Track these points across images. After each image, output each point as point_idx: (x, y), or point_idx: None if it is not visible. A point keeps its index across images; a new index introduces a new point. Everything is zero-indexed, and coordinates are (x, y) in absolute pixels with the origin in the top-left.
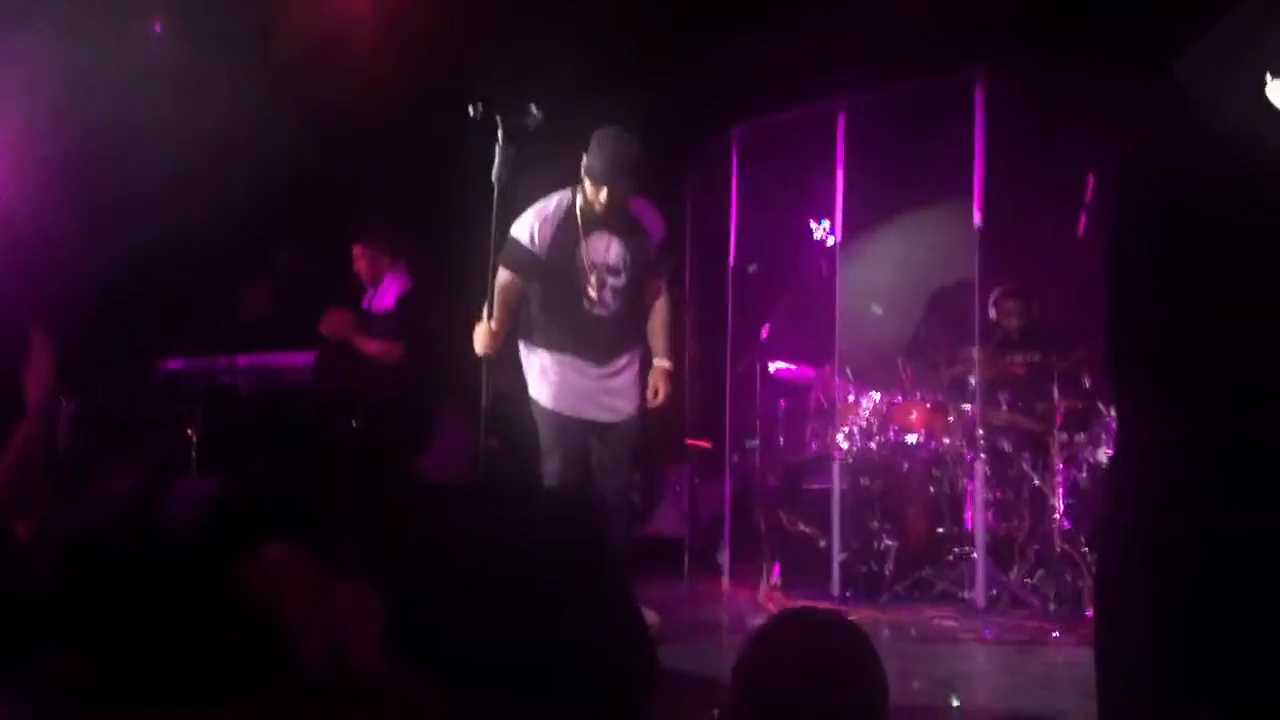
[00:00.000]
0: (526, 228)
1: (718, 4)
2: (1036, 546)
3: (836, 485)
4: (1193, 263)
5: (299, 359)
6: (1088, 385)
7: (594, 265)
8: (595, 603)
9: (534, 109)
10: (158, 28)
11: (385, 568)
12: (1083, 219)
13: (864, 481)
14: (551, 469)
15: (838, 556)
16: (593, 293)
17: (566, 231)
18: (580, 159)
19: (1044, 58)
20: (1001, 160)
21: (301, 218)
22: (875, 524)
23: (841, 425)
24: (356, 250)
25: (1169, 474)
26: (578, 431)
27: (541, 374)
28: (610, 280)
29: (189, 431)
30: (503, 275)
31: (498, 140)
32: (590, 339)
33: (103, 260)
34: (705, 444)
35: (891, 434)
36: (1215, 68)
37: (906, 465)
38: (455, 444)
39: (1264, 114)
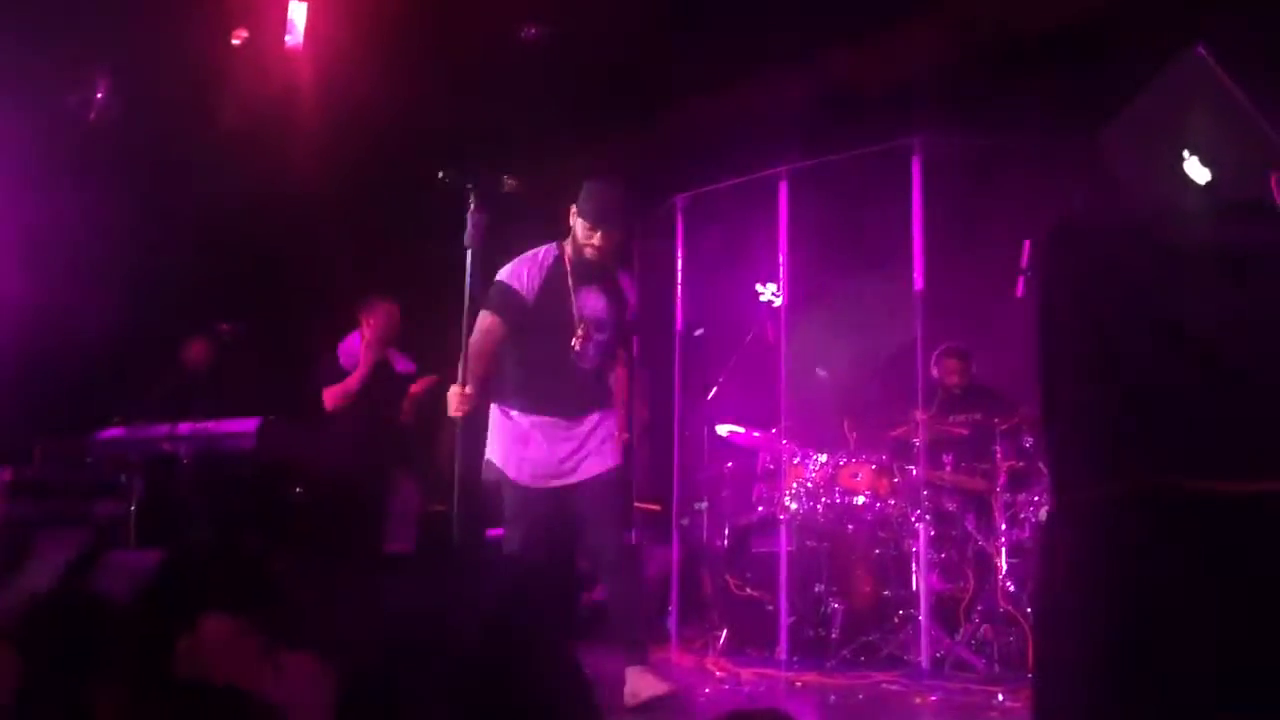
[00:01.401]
0: (516, 274)
1: (663, 76)
2: (981, 607)
3: (784, 548)
4: (1117, 329)
5: (241, 425)
6: (1029, 445)
7: (583, 319)
8: (541, 674)
9: (506, 178)
10: (99, 94)
11: (334, 640)
12: (1020, 282)
13: (810, 544)
14: (512, 540)
15: (785, 620)
16: (578, 346)
17: (556, 281)
18: (542, 224)
19: (979, 125)
20: (942, 224)
21: (250, 287)
22: (821, 587)
23: (788, 487)
24: (384, 309)
25: (1101, 535)
26: (545, 503)
27: (516, 441)
28: (595, 335)
29: (129, 501)
30: (486, 321)
31: (469, 206)
32: (570, 394)
33: (40, 327)
34: (654, 507)
35: (837, 496)
36: (1137, 141)
37: (852, 527)
38: (406, 511)
39: (1182, 187)
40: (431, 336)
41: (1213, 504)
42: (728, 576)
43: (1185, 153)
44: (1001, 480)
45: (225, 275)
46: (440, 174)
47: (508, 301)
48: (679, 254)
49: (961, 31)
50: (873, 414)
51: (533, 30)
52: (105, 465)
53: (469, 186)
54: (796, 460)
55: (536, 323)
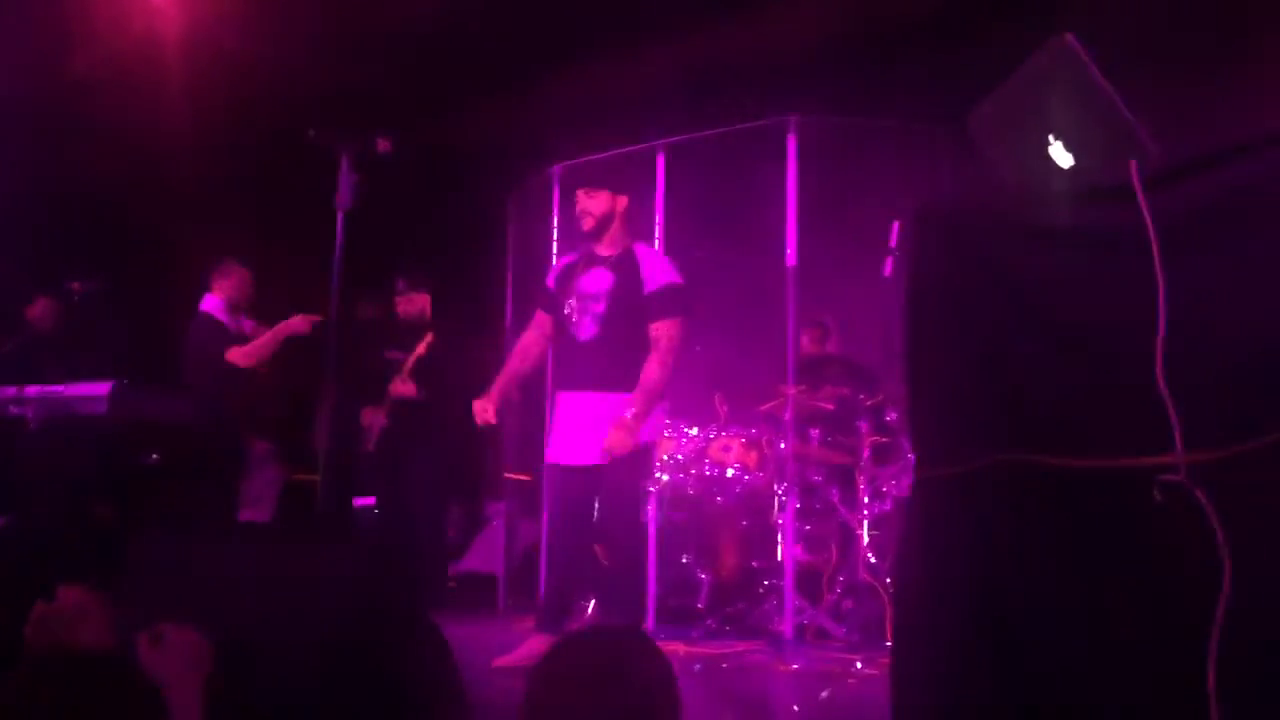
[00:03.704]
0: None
1: (542, 42)
2: (843, 578)
3: (652, 519)
4: (979, 309)
5: (93, 389)
6: (892, 420)
7: (582, 294)
8: (405, 646)
9: (380, 140)
10: None
11: (194, 611)
12: (888, 262)
13: (679, 516)
14: (549, 523)
15: (652, 591)
16: (574, 317)
17: (571, 267)
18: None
19: (854, 106)
20: (816, 202)
21: (104, 245)
22: (689, 558)
23: (658, 459)
24: (238, 274)
25: (958, 509)
26: (576, 482)
27: (551, 421)
28: (591, 306)
29: None
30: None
31: (341, 167)
32: (576, 366)
33: None
34: (523, 477)
35: (707, 468)
36: (1003, 126)
37: (721, 499)
38: (268, 479)
39: (1046, 171)
40: (296, 295)
41: (1067, 479)
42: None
43: (1050, 137)
44: (866, 454)
45: (76, 232)
46: (310, 132)
47: (540, 296)
48: (554, 224)
49: (838, 11)
50: (744, 388)
51: None
52: None
53: (340, 147)
54: (667, 433)
55: (554, 305)
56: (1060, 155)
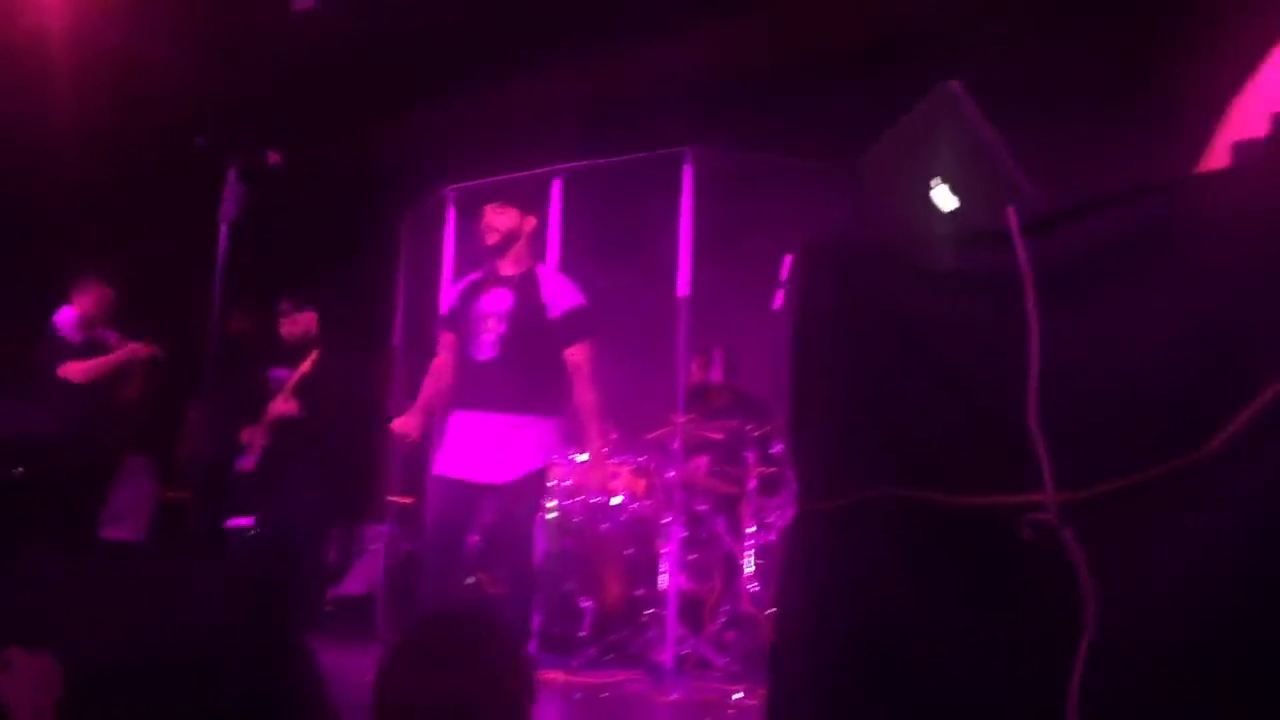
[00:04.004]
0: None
1: (443, 61)
2: (726, 608)
3: (539, 546)
4: (861, 345)
5: None
6: (779, 452)
7: (482, 314)
8: (274, 669)
9: (270, 152)
10: None
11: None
12: (778, 295)
13: (565, 542)
14: (425, 539)
15: (534, 618)
16: (474, 336)
17: (473, 286)
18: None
19: (751, 139)
20: (712, 232)
21: None
22: (573, 585)
23: (546, 484)
24: (96, 291)
25: (835, 543)
26: (463, 498)
27: (442, 438)
28: (491, 325)
29: None
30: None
31: (228, 178)
32: (478, 387)
33: None
34: (407, 500)
35: (594, 495)
36: (892, 167)
37: (607, 527)
38: (139, 497)
39: (932, 214)
40: (181, 308)
41: (943, 515)
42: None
43: (935, 181)
44: (752, 485)
45: None
46: (197, 140)
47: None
48: (448, 245)
49: (739, 46)
50: (634, 415)
51: (306, 3)
52: None
53: (229, 157)
54: (556, 458)
55: (456, 326)
56: (944, 199)
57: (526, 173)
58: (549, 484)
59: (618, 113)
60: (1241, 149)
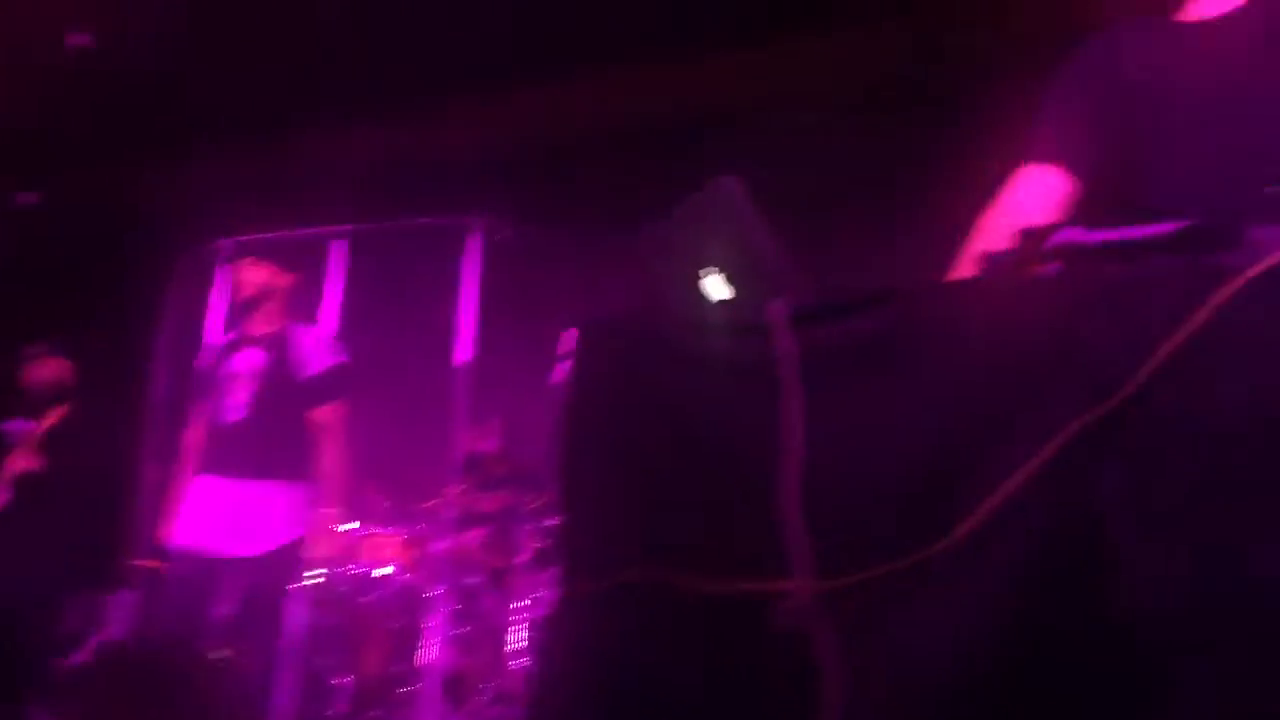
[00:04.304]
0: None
1: (224, 107)
2: (492, 685)
3: (297, 617)
4: (628, 427)
5: None
6: (554, 525)
7: (232, 374)
8: None
9: (22, 193)
10: None
11: None
12: (556, 369)
13: (326, 615)
14: (164, 612)
15: (281, 693)
16: (223, 398)
17: (226, 346)
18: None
19: (540, 212)
20: (498, 301)
21: None
22: (331, 660)
23: (310, 553)
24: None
25: (592, 627)
26: (201, 569)
27: (181, 505)
28: (241, 386)
29: None
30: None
31: None
32: (225, 450)
33: None
34: (155, 564)
35: (361, 566)
36: (669, 252)
37: (372, 598)
38: None
39: (704, 300)
40: None
41: (700, 601)
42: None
43: (708, 269)
44: (524, 558)
45: None
46: None
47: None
48: (214, 301)
49: (532, 117)
50: (408, 483)
51: (81, 39)
52: None
53: None
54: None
55: (208, 388)
56: (717, 288)
57: (307, 230)
58: (308, 554)
59: (407, 177)
60: (987, 260)
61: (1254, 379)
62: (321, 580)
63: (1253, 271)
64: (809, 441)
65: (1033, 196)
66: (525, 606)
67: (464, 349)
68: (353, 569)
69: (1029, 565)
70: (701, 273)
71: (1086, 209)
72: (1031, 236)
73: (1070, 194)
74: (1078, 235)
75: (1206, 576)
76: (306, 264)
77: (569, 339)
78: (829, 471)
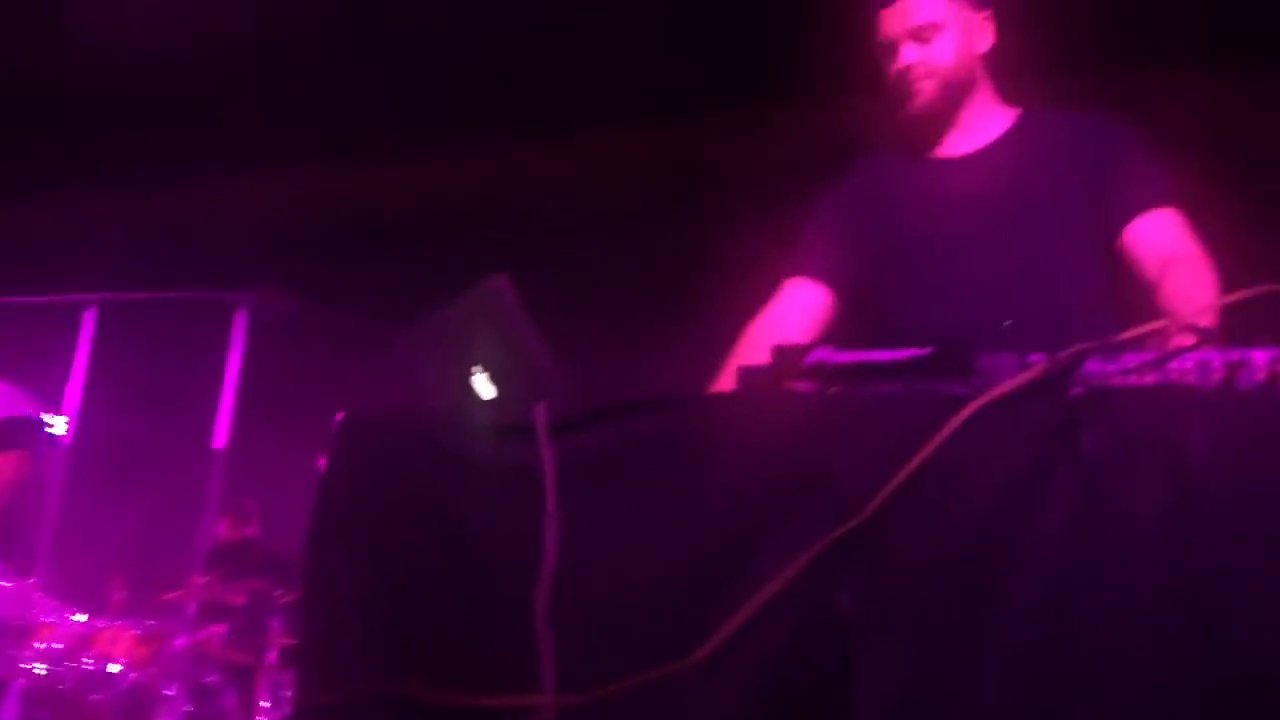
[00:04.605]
0: None
1: None
2: None
3: (7, 717)
4: (384, 528)
5: None
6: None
7: None
8: None
9: None
10: None
11: None
12: (321, 458)
13: (47, 715)
14: None
15: None
16: None
17: None
18: None
19: (312, 295)
20: (262, 383)
21: None
22: None
23: (32, 647)
24: None
25: None
26: None
27: None
28: None
29: None
30: None
31: None
32: None
33: None
34: None
35: (90, 661)
36: (436, 349)
37: (99, 697)
38: None
39: (468, 400)
40: None
41: (442, 715)
42: None
43: (475, 368)
44: (273, 657)
45: None
46: None
47: None
48: None
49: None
50: (146, 574)
51: None
52: None
53: None
54: (49, 618)
55: None
56: (484, 387)
57: (57, 297)
58: (30, 646)
59: (172, 246)
60: (746, 374)
61: (974, 508)
62: (43, 675)
63: (977, 403)
64: (566, 551)
65: (794, 310)
66: (269, 708)
67: (222, 431)
68: (83, 664)
69: (770, 684)
70: (469, 371)
71: (844, 324)
72: (787, 355)
73: (830, 308)
74: (830, 355)
75: (919, 700)
76: (56, 331)
77: (335, 426)
78: (585, 582)
